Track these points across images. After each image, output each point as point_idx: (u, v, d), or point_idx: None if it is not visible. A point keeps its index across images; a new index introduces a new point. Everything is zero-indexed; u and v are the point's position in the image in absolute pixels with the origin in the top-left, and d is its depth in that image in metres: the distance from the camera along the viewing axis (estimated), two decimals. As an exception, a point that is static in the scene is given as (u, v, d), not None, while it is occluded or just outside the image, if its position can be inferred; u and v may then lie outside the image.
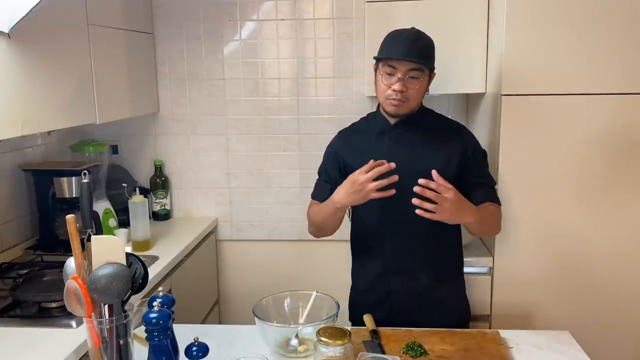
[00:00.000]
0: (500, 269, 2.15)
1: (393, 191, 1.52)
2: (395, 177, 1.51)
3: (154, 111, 2.73)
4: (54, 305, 1.69)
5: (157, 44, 2.69)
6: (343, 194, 1.60)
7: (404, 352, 1.44)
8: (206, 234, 2.67)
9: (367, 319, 1.62)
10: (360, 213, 1.78)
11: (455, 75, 2.26)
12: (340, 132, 1.85)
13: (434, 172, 1.50)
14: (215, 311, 2.81)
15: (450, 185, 1.50)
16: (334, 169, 1.78)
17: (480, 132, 2.38)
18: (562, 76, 2.02)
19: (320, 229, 1.80)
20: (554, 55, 2.00)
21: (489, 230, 1.80)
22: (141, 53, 2.56)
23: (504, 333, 1.57)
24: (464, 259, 2.17)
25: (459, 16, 2.22)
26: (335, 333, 1.31)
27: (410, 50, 1.58)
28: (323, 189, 1.80)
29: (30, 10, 1.52)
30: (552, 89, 2.02)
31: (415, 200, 1.48)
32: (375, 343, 1.48)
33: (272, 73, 2.68)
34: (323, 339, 1.29)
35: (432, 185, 1.48)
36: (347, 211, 1.79)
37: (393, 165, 1.51)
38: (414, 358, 1.42)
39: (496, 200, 1.76)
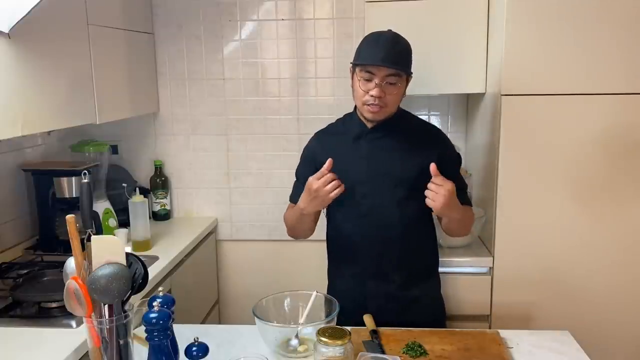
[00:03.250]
0: (500, 269, 2.15)
1: (343, 188, 1.56)
2: (342, 188, 1.56)
3: (154, 111, 2.73)
4: (54, 305, 1.68)
5: (157, 44, 2.69)
6: (304, 201, 1.63)
7: (404, 352, 1.44)
8: (206, 234, 2.67)
9: (367, 319, 1.62)
10: (335, 217, 1.77)
11: (455, 75, 2.26)
12: (316, 134, 1.84)
13: (432, 166, 1.52)
14: (215, 311, 2.81)
15: (447, 181, 1.54)
16: (310, 171, 1.71)
17: (480, 132, 2.38)
18: (562, 76, 2.02)
19: (294, 232, 1.83)
20: (554, 55, 2.00)
21: (464, 230, 1.80)
22: (141, 53, 2.57)
23: (504, 333, 1.57)
24: (465, 259, 2.19)
25: (459, 16, 2.22)
26: (335, 333, 1.31)
27: (388, 56, 1.56)
28: (299, 192, 1.76)
29: (30, 10, 1.52)
30: (552, 89, 2.02)
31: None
32: (375, 343, 1.48)
33: (272, 73, 2.68)
34: (323, 339, 1.29)
35: (438, 180, 1.52)
36: (323, 211, 1.80)
37: (330, 161, 1.55)
38: (413, 358, 1.42)
39: (469, 204, 1.78)
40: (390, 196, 1.67)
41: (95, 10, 2.07)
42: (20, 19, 1.53)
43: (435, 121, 2.68)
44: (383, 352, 1.43)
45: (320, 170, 1.57)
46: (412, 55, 1.64)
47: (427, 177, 1.60)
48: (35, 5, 1.52)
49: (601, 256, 2.09)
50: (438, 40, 2.23)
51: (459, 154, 1.84)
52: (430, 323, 1.64)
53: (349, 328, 1.36)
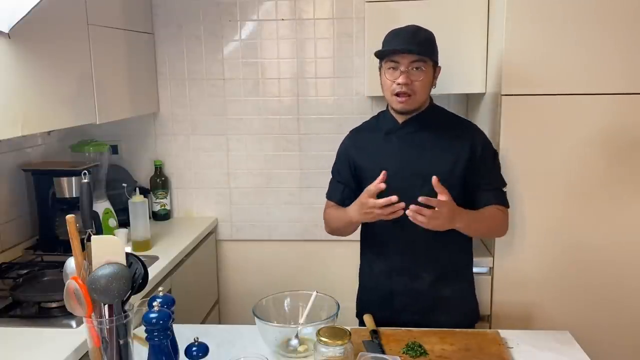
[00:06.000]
0: (500, 269, 2.15)
1: (401, 213, 1.52)
2: (400, 206, 1.51)
3: (154, 111, 2.73)
4: (54, 305, 1.68)
5: (157, 44, 2.69)
6: (355, 212, 1.62)
7: (403, 352, 1.44)
8: (206, 234, 2.67)
9: (367, 319, 1.62)
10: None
11: (455, 75, 2.26)
12: (351, 131, 1.85)
13: (434, 179, 1.51)
14: (215, 311, 2.81)
15: (446, 197, 1.51)
16: (345, 169, 1.78)
17: (480, 132, 2.38)
18: (562, 76, 2.02)
19: (337, 233, 1.82)
20: (554, 55, 2.00)
21: (488, 232, 1.79)
22: (141, 53, 2.57)
23: (504, 333, 1.57)
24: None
25: (459, 16, 2.22)
26: (335, 333, 1.31)
27: (411, 42, 1.59)
28: (336, 189, 1.81)
29: (30, 10, 1.52)
30: (552, 89, 2.02)
31: (411, 209, 1.49)
32: (375, 343, 1.48)
33: (272, 73, 2.68)
34: (323, 339, 1.29)
35: (434, 202, 1.49)
36: None
37: (395, 199, 1.51)
38: (413, 358, 1.42)
39: (503, 203, 1.72)
40: (420, 193, 1.61)
41: (95, 10, 2.07)
42: (20, 19, 1.53)
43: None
44: (383, 352, 1.43)
45: (377, 184, 1.54)
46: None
47: (458, 174, 1.62)
48: (35, 5, 1.52)
49: (601, 256, 2.09)
50: (438, 40, 2.22)
51: (496, 151, 1.78)
52: (460, 324, 1.62)
53: (349, 328, 1.36)
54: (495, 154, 1.77)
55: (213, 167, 2.78)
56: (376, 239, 1.77)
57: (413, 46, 1.58)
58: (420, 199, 1.48)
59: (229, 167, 2.78)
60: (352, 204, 1.65)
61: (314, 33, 2.63)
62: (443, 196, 1.51)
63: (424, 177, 1.61)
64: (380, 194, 1.59)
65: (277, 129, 2.73)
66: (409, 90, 1.60)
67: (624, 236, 2.08)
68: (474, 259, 2.19)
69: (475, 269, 2.16)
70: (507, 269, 2.14)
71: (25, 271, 1.94)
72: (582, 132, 2.04)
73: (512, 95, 2.04)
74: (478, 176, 1.68)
